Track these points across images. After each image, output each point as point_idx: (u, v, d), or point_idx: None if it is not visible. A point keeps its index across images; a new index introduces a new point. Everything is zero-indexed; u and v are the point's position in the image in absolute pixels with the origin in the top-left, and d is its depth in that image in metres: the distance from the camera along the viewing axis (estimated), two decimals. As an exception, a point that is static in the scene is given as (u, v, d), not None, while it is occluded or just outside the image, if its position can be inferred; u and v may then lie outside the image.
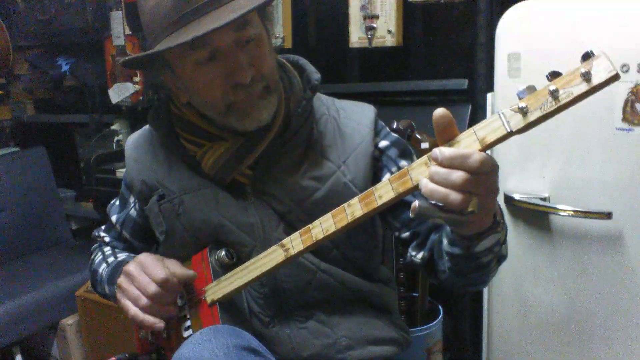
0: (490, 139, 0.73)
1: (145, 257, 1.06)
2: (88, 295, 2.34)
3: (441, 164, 0.74)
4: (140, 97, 2.53)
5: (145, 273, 1.03)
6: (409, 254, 1.12)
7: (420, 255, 1.09)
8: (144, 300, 1.02)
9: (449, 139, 0.77)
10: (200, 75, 1.00)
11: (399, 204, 1.07)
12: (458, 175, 0.73)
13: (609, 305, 1.47)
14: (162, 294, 1.02)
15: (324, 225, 0.89)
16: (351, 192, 1.07)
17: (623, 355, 1.47)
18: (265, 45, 1.03)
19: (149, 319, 1.02)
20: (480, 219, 0.81)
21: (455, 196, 0.74)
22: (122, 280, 1.06)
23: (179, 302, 1.08)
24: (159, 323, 1.02)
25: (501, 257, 0.98)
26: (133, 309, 1.03)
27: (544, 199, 1.52)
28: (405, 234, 1.11)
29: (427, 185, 0.76)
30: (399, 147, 1.14)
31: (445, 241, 0.95)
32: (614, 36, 1.37)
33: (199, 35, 0.91)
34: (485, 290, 1.76)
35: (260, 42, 1.02)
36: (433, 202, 0.76)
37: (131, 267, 1.05)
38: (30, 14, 2.76)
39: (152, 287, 1.01)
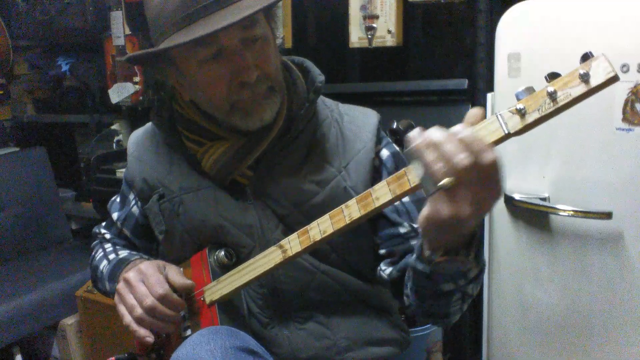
0: (488, 140, 0.72)
1: (146, 267, 1.06)
2: (88, 295, 2.34)
3: (462, 138, 0.69)
4: (140, 97, 2.52)
5: (144, 284, 1.03)
6: (379, 268, 1.11)
7: (388, 272, 1.08)
8: (139, 311, 1.02)
9: None
10: (205, 73, 1.00)
11: (380, 220, 1.08)
12: (464, 158, 0.68)
13: (609, 305, 1.46)
14: (158, 308, 1.01)
15: (322, 227, 0.89)
16: (350, 198, 1.06)
17: (623, 355, 1.47)
18: (270, 45, 1.03)
19: (141, 331, 1.02)
20: (440, 212, 0.72)
21: (440, 166, 0.69)
22: (120, 286, 1.06)
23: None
24: (148, 337, 1.02)
25: (466, 295, 0.93)
26: (128, 318, 1.04)
27: (544, 199, 1.51)
28: (382, 251, 1.11)
29: (422, 141, 0.71)
30: (396, 160, 1.14)
31: (414, 256, 0.90)
32: (614, 36, 1.37)
33: (207, 34, 0.92)
34: (485, 290, 1.75)
35: (266, 42, 1.02)
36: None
37: (131, 275, 1.05)
38: (30, 14, 2.75)
39: (148, 300, 1.01)
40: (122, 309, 1.05)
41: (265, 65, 1.01)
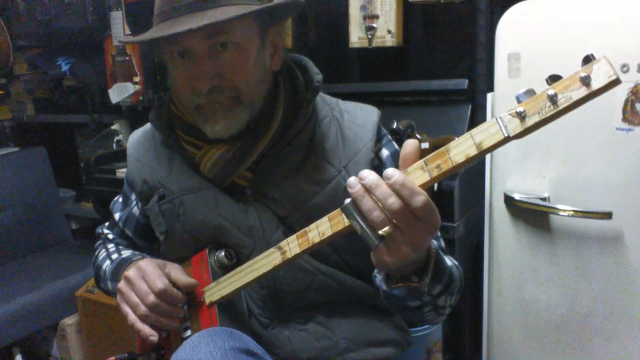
0: (487, 144, 0.72)
1: (146, 264, 1.06)
2: (88, 295, 2.34)
3: (391, 185, 0.75)
4: (140, 97, 2.53)
5: (144, 281, 1.03)
6: (374, 275, 1.10)
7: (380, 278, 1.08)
8: (142, 309, 1.02)
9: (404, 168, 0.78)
10: (172, 68, 1.03)
11: None
12: (396, 202, 0.74)
13: (609, 305, 1.47)
14: (160, 305, 1.02)
15: (321, 229, 0.89)
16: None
17: (623, 355, 1.47)
18: (248, 55, 1.01)
19: (145, 329, 1.02)
20: (386, 256, 0.79)
21: (377, 214, 0.75)
22: (122, 285, 1.06)
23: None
24: (152, 336, 1.02)
25: (438, 307, 0.96)
26: (132, 316, 1.04)
27: (544, 199, 1.51)
28: None
29: (358, 191, 0.77)
30: (396, 160, 1.13)
31: (379, 276, 0.95)
32: (614, 36, 1.37)
33: (160, 36, 0.94)
34: (485, 290, 1.75)
35: (241, 51, 1.00)
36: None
37: (131, 273, 1.05)
38: (30, 14, 2.75)
39: (151, 297, 1.01)
40: (125, 308, 1.05)
41: (232, 76, 1.00)
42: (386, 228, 0.76)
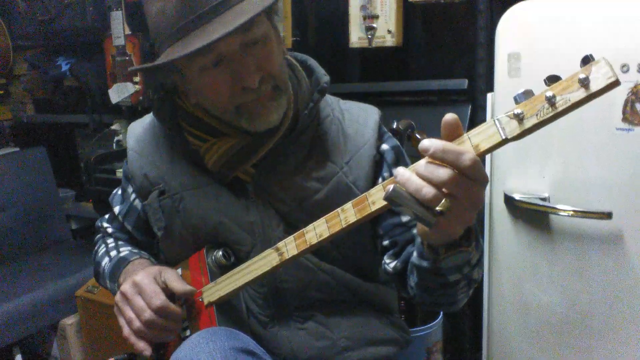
0: (485, 146, 0.71)
1: (142, 278, 1.05)
2: (88, 295, 2.34)
3: (433, 155, 0.71)
4: (140, 97, 2.52)
5: (141, 296, 1.03)
6: (383, 262, 1.11)
7: (393, 265, 1.08)
8: (137, 324, 1.02)
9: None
10: (207, 79, 0.99)
11: None
12: (444, 172, 0.70)
13: (609, 305, 1.46)
14: (156, 321, 1.01)
15: (318, 230, 0.89)
16: (353, 194, 1.06)
17: (623, 355, 1.47)
18: (272, 44, 1.01)
19: (139, 344, 1.03)
20: (449, 226, 0.76)
21: (428, 190, 0.71)
22: (118, 299, 1.06)
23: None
24: (146, 350, 1.02)
25: (471, 281, 0.94)
26: (127, 330, 1.04)
27: (544, 199, 1.51)
28: (386, 242, 1.11)
29: (403, 173, 0.73)
30: (396, 153, 1.14)
31: (415, 254, 0.93)
32: (614, 36, 1.37)
33: (203, 46, 0.90)
34: (485, 290, 1.75)
35: (268, 41, 1.00)
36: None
37: (128, 288, 1.04)
38: (30, 14, 2.75)
39: (147, 314, 1.01)
40: (121, 321, 1.06)
41: (269, 66, 1.00)
42: (442, 202, 0.71)
